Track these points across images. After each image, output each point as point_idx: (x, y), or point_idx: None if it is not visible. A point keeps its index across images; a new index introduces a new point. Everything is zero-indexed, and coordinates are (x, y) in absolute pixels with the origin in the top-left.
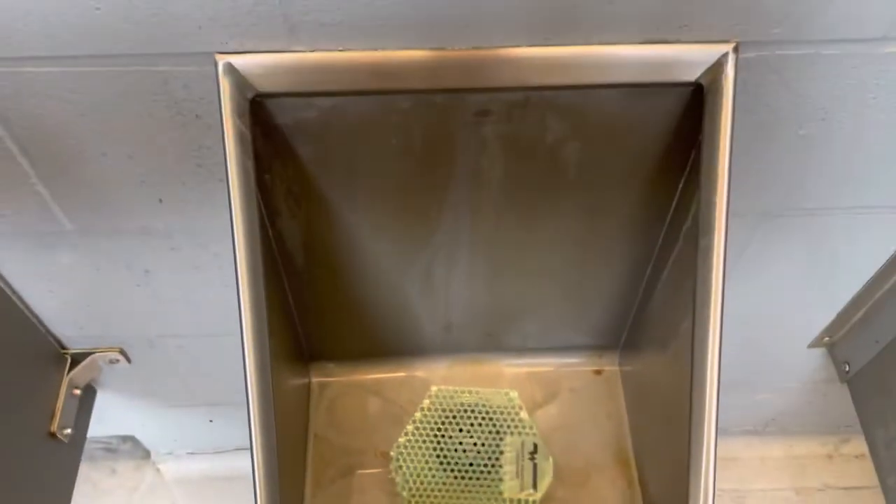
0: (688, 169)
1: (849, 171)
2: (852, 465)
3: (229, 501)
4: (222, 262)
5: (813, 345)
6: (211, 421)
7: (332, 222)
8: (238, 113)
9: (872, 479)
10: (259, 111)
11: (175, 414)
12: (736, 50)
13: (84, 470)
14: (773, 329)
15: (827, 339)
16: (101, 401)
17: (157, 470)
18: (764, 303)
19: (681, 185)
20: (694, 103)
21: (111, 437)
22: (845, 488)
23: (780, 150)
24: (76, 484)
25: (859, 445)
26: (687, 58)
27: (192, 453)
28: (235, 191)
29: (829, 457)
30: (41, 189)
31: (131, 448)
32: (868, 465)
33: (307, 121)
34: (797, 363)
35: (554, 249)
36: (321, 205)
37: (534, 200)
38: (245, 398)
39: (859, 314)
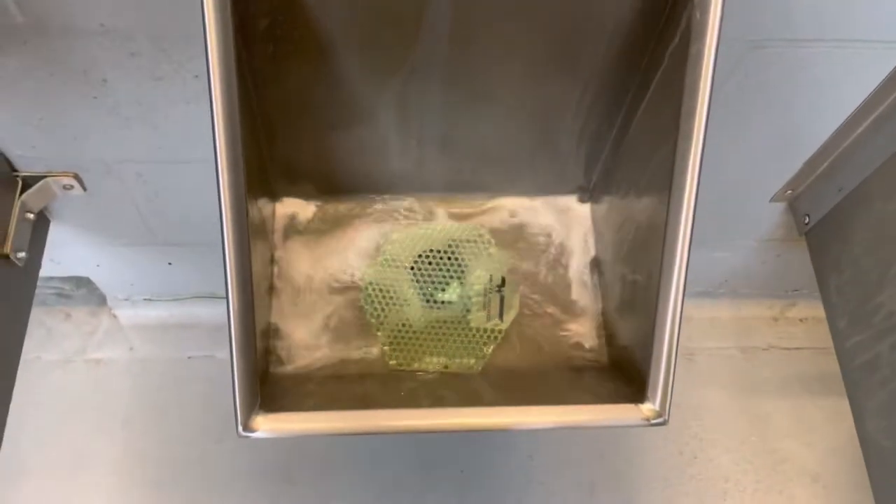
0: None
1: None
2: (797, 327)
3: (187, 348)
4: (185, 73)
5: (775, 199)
6: (170, 264)
7: (307, 35)
8: None
9: (814, 341)
10: None
11: (132, 254)
12: None
13: (38, 314)
14: (739, 182)
15: (790, 192)
16: (56, 237)
17: (114, 316)
18: (734, 151)
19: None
20: None
21: (66, 278)
22: (788, 349)
23: None
24: (29, 328)
25: (804, 309)
26: None
27: (148, 300)
28: None
29: (775, 319)
30: None
31: (86, 294)
32: (811, 327)
33: None
34: (757, 219)
35: (531, 79)
36: (295, 13)
37: (512, 18)
38: (210, 233)
39: (825, 164)
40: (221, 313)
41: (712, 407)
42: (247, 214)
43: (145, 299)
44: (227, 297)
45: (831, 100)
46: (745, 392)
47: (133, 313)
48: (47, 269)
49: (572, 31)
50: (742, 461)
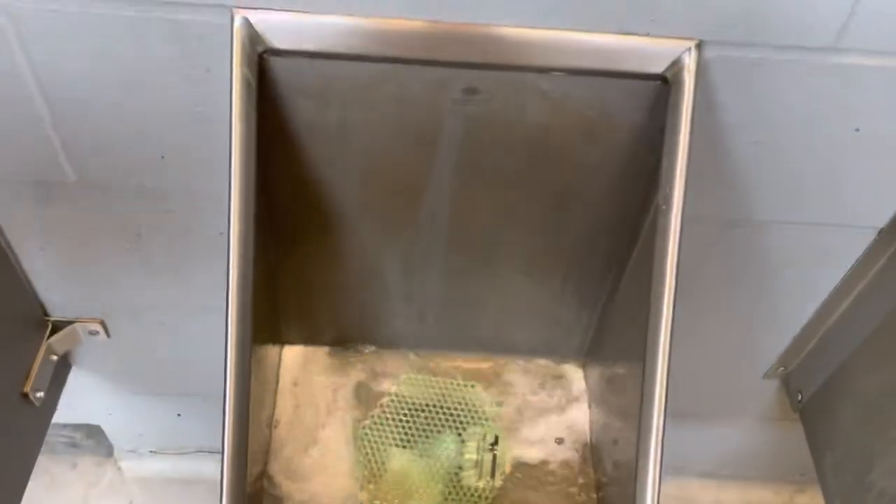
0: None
1: (800, 184)
2: None
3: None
4: (212, 231)
5: (768, 375)
6: (179, 415)
7: (321, 193)
8: (247, 63)
9: None
10: (265, 68)
11: (145, 403)
12: (698, 47)
13: (44, 462)
14: (729, 356)
15: (781, 368)
16: (74, 382)
17: (119, 468)
18: (720, 327)
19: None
20: (664, 98)
21: (78, 426)
22: None
23: (737, 156)
24: (34, 475)
25: (814, 496)
26: (654, 51)
27: (154, 452)
28: (237, 138)
29: None
30: (52, 135)
31: (94, 445)
32: None
33: (308, 83)
34: (753, 395)
35: (526, 245)
36: (312, 173)
37: (510, 189)
38: (222, 381)
39: (813, 341)
40: None
41: None
42: (250, 357)
43: (151, 451)
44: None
45: (811, 279)
46: None
47: (137, 465)
48: (62, 414)
49: (563, 202)
50: None
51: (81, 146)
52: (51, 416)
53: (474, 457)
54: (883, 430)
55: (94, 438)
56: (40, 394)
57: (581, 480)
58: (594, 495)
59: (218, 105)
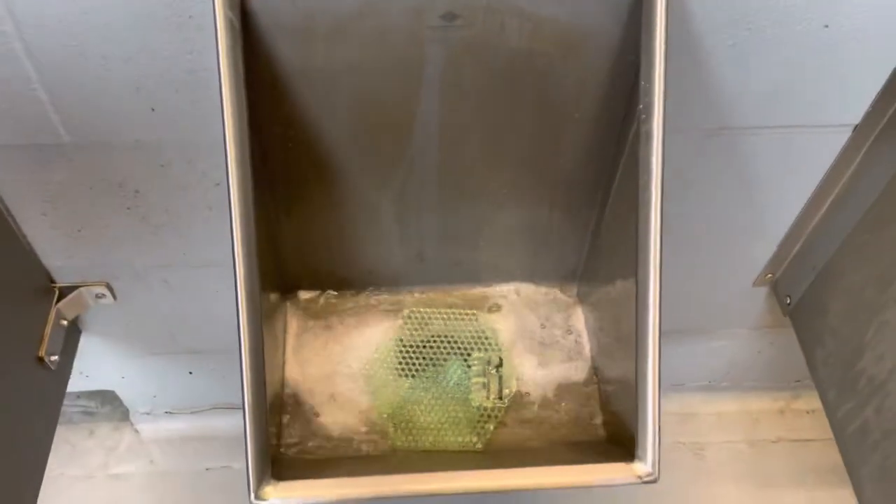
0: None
1: (775, 87)
2: (804, 419)
3: (205, 460)
4: (208, 182)
5: (758, 283)
6: (190, 373)
7: (312, 135)
8: (230, 5)
9: (822, 432)
10: (247, 10)
11: (156, 363)
12: None
13: (62, 432)
14: (719, 268)
15: (769, 275)
16: (86, 348)
17: (136, 431)
18: (707, 239)
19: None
20: (640, 11)
21: (92, 393)
22: (797, 441)
23: (714, 62)
24: (54, 445)
25: (810, 401)
26: None
27: (169, 412)
28: (226, 82)
29: (782, 412)
30: (41, 94)
31: (110, 411)
32: (818, 419)
33: (290, 22)
34: (744, 305)
35: (516, 171)
36: (301, 114)
37: (496, 115)
38: (229, 338)
39: (798, 245)
40: (238, 425)
41: (726, 502)
42: (261, 302)
43: (166, 412)
44: (240, 368)
45: (791, 182)
46: (758, 486)
47: (154, 427)
48: (76, 383)
49: (548, 125)
50: None
51: (71, 104)
52: (67, 380)
53: (482, 379)
54: (870, 319)
55: (109, 405)
56: (55, 357)
57: (584, 399)
58: (599, 414)
59: (204, 52)
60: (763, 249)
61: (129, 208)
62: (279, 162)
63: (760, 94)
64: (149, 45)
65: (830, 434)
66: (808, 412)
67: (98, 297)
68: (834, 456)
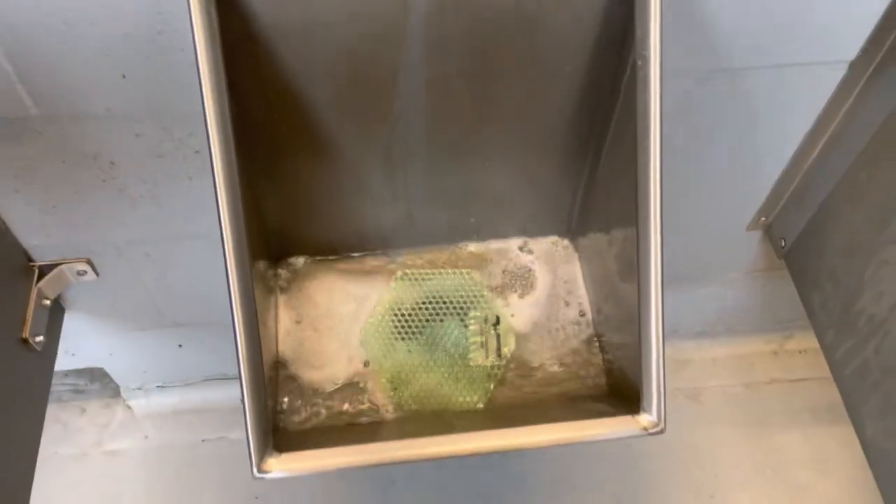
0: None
1: (769, 22)
2: (797, 359)
3: (201, 432)
4: (186, 150)
5: (751, 227)
6: (180, 346)
7: (293, 97)
8: None
9: (817, 371)
10: None
11: (144, 338)
12: None
13: (53, 411)
14: (714, 213)
15: (763, 219)
16: (71, 327)
17: (128, 406)
18: (703, 182)
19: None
20: None
21: (81, 371)
22: (791, 381)
23: (706, 2)
24: (46, 425)
25: (802, 341)
26: None
27: (161, 387)
28: (201, 45)
29: (775, 353)
30: (5, 65)
31: (100, 388)
32: (811, 358)
33: None
34: (738, 250)
35: (506, 126)
36: (282, 76)
37: (483, 68)
38: (217, 310)
39: (792, 187)
40: (232, 395)
41: (724, 444)
42: (251, 272)
43: (158, 386)
44: (235, 341)
45: (785, 123)
46: (755, 427)
47: (146, 402)
48: (63, 362)
49: (538, 76)
50: (760, 495)
51: (37, 74)
52: (53, 360)
53: (479, 339)
54: (868, 259)
55: (98, 381)
56: (40, 338)
57: (584, 351)
58: (600, 366)
59: (174, 11)
60: (757, 193)
61: (104, 181)
62: (259, 125)
63: (754, 32)
64: (114, 6)
65: (824, 373)
66: (800, 352)
67: (79, 274)
68: (828, 394)
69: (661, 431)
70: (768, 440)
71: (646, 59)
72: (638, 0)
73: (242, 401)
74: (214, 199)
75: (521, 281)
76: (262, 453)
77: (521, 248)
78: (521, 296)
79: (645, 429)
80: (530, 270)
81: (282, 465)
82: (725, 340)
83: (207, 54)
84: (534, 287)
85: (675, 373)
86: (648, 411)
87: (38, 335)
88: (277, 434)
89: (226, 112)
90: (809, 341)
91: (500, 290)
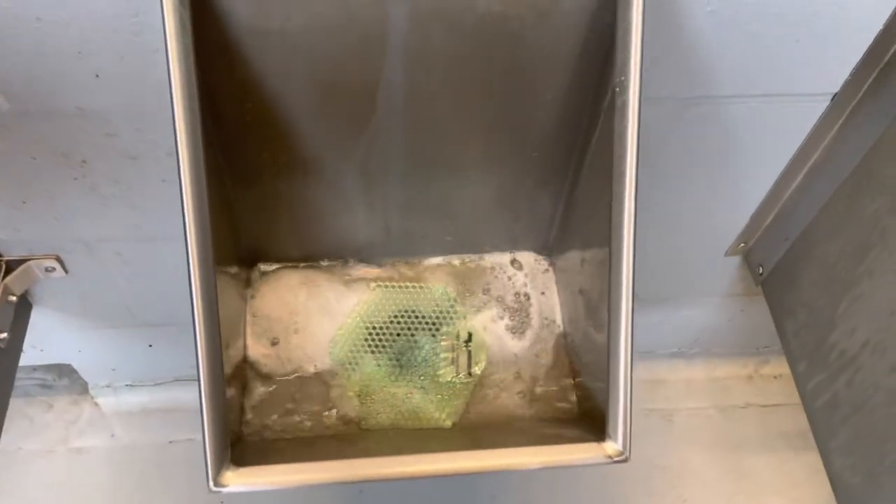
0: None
1: (754, 54)
2: (772, 384)
3: (169, 433)
4: (159, 152)
5: (730, 252)
6: (150, 346)
7: (269, 104)
8: None
9: (791, 397)
10: None
11: (113, 337)
12: None
13: (20, 406)
14: (692, 237)
15: (742, 244)
16: (38, 322)
17: (96, 404)
18: (681, 208)
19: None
20: None
21: (49, 367)
22: (765, 406)
23: (692, 29)
24: (12, 420)
25: (777, 366)
26: None
27: (130, 385)
28: (174, 47)
29: (750, 377)
30: None
31: (68, 383)
32: (786, 384)
33: None
34: (716, 274)
35: (485, 141)
36: (258, 82)
37: (464, 83)
38: (188, 311)
39: (772, 215)
40: None
41: (695, 467)
42: (215, 281)
43: (127, 385)
44: (195, 349)
45: (767, 152)
46: (726, 451)
47: (115, 400)
48: (31, 357)
49: (518, 94)
50: None
51: (9, 70)
52: (18, 357)
53: (450, 354)
54: (843, 292)
55: (66, 377)
56: (3, 335)
57: (556, 371)
58: (571, 388)
59: (150, 13)
60: (736, 219)
61: (75, 178)
62: (235, 131)
63: (739, 61)
64: (89, 6)
65: (799, 399)
66: (775, 377)
67: (48, 270)
68: (802, 421)
69: (626, 460)
70: (740, 465)
71: (624, 86)
72: (620, 25)
73: (201, 411)
74: (180, 201)
75: (496, 297)
76: (219, 466)
77: (495, 264)
78: (497, 311)
79: (609, 457)
80: (505, 285)
81: (240, 480)
82: (701, 363)
83: (179, 57)
84: (510, 303)
85: (649, 393)
86: (614, 439)
87: (2, 332)
88: (239, 445)
89: (196, 114)
90: (785, 367)
91: (474, 304)
